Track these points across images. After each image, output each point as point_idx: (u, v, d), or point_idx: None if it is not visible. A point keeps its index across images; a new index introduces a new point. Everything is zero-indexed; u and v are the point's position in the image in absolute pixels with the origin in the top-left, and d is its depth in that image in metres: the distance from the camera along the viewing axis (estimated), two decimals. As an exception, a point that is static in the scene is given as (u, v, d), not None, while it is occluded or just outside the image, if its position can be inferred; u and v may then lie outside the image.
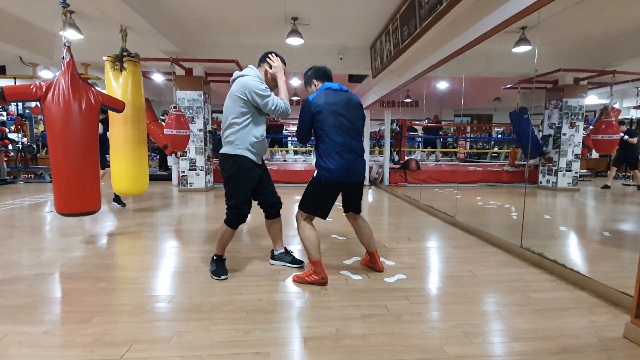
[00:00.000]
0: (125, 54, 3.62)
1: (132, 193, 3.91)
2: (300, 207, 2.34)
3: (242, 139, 2.23)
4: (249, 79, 2.21)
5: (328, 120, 2.22)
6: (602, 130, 4.82)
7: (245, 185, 2.27)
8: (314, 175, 2.29)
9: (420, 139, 11.03)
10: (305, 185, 2.36)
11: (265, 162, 2.49)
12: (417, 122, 10.82)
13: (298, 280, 2.30)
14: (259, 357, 1.50)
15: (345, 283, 2.30)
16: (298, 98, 11.15)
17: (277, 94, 2.29)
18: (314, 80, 2.42)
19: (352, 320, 1.81)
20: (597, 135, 4.93)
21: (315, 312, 1.91)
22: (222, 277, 2.32)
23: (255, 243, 3.16)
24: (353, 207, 2.53)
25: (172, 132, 5.10)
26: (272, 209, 2.50)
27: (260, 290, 2.18)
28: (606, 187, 6.41)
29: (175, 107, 5.24)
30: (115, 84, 3.56)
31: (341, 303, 2.01)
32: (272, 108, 2.20)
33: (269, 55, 2.33)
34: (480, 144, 11.96)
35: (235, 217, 2.29)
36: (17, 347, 1.55)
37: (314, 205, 2.32)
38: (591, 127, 5.99)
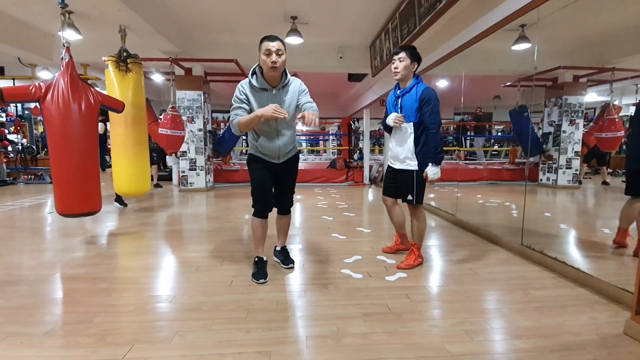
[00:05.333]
0: (125, 54, 3.61)
1: (133, 193, 3.91)
2: (418, 201, 2.50)
3: (250, 139, 2.33)
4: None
5: None
6: (606, 128, 4.82)
7: (253, 176, 2.33)
8: (418, 168, 2.43)
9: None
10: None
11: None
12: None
13: (407, 268, 2.51)
14: (260, 356, 1.50)
15: (346, 282, 2.30)
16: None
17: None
18: (417, 64, 2.45)
19: (353, 319, 1.81)
20: (600, 134, 4.92)
21: (316, 311, 1.91)
22: (260, 280, 2.26)
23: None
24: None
25: (166, 132, 5.06)
26: (279, 206, 2.49)
27: (261, 289, 2.18)
28: (579, 182, 6.52)
29: (172, 107, 5.22)
30: (117, 85, 3.55)
31: (342, 302, 2.01)
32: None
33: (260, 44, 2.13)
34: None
35: (253, 203, 2.33)
36: (19, 348, 1.55)
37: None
38: (591, 124, 6.00)
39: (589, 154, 6.46)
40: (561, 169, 6.50)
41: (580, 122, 6.44)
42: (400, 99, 2.47)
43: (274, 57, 2.05)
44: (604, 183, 6.39)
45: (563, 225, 4.08)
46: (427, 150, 2.39)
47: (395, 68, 2.40)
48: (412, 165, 2.44)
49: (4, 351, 1.53)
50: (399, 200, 2.67)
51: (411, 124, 2.41)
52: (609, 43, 5.12)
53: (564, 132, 6.47)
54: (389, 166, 2.66)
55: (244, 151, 10.42)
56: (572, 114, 6.42)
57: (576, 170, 6.53)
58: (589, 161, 6.63)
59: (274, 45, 2.06)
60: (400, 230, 2.80)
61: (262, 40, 2.11)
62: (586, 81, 6.36)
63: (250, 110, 2.17)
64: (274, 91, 2.17)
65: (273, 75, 2.13)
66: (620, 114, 5.18)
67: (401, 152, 2.49)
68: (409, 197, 2.49)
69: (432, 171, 2.37)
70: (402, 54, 2.38)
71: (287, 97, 2.21)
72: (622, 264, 2.72)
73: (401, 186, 2.55)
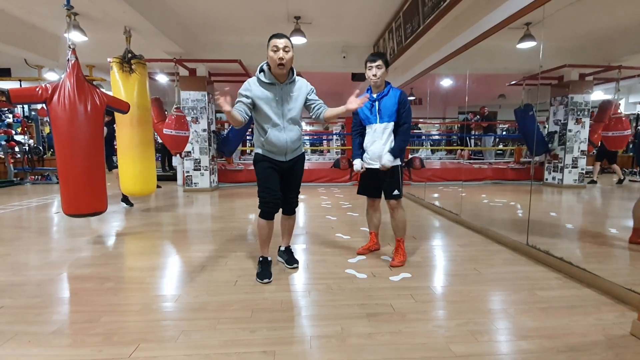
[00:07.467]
0: (130, 55, 3.64)
1: (139, 193, 3.93)
2: (400, 196, 2.60)
3: (256, 139, 2.33)
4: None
5: None
6: (612, 127, 4.78)
7: (260, 176, 2.32)
8: (399, 163, 2.56)
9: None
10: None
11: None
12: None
13: (400, 265, 2.55)
14: (265, 355, 1.51)
15: (350, 282, 2.30)
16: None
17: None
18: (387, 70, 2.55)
19: (358, 319, 1.81)
20: (607, 132, 4.88)
21: (320, 311, 1.91)
22: (265, 280, 2.27)
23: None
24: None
25: (171, 132, 5.11)
26: (284, 207, 2.49)
27: (265, 289, 2.19)
28: (593, 182, 6.43)
29: (177, 108, 5.26)
30: (122, 86, 3.58)
31: (346, 302, 2.01)
32: None
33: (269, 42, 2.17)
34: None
35: (260, 204, 2.32)
36: (26, 347, 1.57)
37: None
38: (592, 122, 5.98)
39: (600, 152, 6.40)
40: (567, 168, 6.44)
41: (587, 120, 6.38)
42: (378, 102, 2.56)
43: (281, 53, 2.10)
44: (619, 182, 6.31)
45: (569, 225, 4.05)
46: (397, 142, 2.54)
47: (374, 75, 2.50)
48: (395, 161, 2.54)
49: (12, 350, 1.55)
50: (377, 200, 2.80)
51: (392, 123, 2.54)
52: (616, 41, 5.07)
53: (570, 131, 6.41)
54: (367, 168, 2.65)
55: (248, 151, 10.45)
56: (578, 113, 6.36)
57: (582, 169, 6.47)
58: (601, 159, 6.57)
59: (281, 42, 2.12)
60: (376, 230, 2.89)
61: (270, 38, 2.16)
62: (592, 79, 6.30)
63: (253, 103, 2.21)
64: (282, 86, 2.22)
65: (280, 73, 2.17)
66: (618, 112, 5.12)
67: (382, 150, 2.55)
68: (396, 192, 2.58)
69: (388, 158, 2.49)
70: (380, 62, 2.48)
71: (294, 93, 2.27)
72: (629, 265, 2.69)
73: (387, 183, 2.60)
